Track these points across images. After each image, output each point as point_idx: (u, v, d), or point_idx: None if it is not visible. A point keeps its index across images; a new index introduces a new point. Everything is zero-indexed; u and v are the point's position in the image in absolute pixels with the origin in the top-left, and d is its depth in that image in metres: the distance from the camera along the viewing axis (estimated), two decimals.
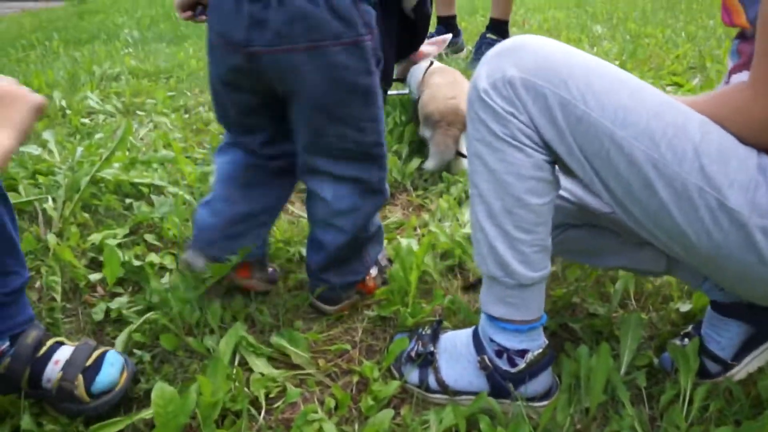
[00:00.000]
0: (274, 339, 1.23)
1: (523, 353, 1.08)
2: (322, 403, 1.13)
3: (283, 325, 1.32)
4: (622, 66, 3.05)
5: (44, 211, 1.68)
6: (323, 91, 1.14)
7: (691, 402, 1.07)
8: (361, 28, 1.12)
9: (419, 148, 2.12)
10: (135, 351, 1.23)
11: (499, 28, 3.39)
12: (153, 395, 0.98)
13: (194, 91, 3.10)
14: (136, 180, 1.83)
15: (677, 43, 3.77)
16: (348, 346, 1.27)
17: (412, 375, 1.16)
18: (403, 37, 1.45)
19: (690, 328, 1.23)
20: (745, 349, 1.14)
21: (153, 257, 1.50)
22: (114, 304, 1.34)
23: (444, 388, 1.14)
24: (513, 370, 1.08)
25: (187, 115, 2.67)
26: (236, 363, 1.19)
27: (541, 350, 1.08)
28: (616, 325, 1.28)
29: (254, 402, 1.12)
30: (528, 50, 0.94)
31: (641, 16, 5.07)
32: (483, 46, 3.32)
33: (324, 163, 1.24)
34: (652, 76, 2.96)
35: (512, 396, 1.09)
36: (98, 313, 1.33)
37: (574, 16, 5.18)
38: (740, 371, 1.14)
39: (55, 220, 1.65)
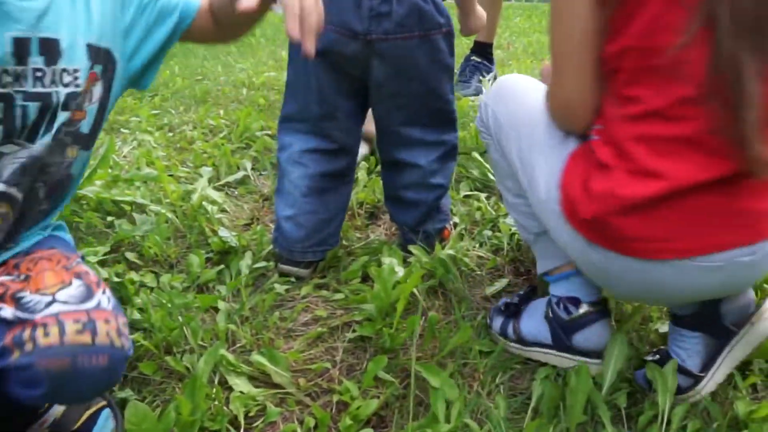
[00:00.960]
0: (255, 357, 1.23)
1: (575, 302, 1.23)
2: (301, 422, 1.12)
3: (264, 344, 1.32)
4: None
5: None
6: (427, 71, 1.46)
7: (669, 422, 1.08)
8: (449, 21, 1.45)
9: None
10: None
11: (483, 51, 3.42)
12: (126, 413, 0.98)
13: (179, 109, 3.10)
14: (118, 198, 1.83)
15: None
16: (329, 365, 1.26)
17: (496, 323, 1.35)
18: None
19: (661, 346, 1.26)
20: (710, 359, 1.16)
21: (133, 275, 1.49)
22: None
23: (518, 337, 1.30)
24: (567, 318, 1.24)
25: (171, 134, 2.67)
26: (216, 382, 1.19)
27: (593, 302, 1.23)
28: None
29: (233, 421, 1.11)
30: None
31: None
32: (467, 68, 3.34)
33: (418, 133, 1.54)
34: None
35: (568, 348, 1.24)
36: None
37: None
38: (709, 382, 1.15)
39: None
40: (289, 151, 1.57)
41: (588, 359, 1.21)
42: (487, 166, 2.06)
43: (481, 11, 1.76)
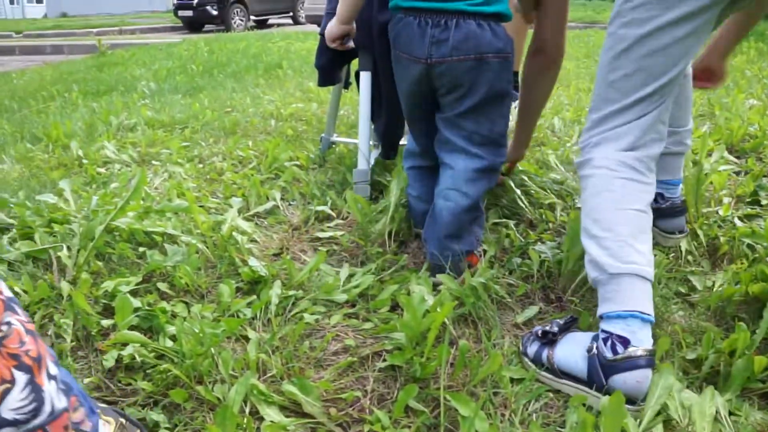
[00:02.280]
0: (286, 387, 1.23)
1: (625, 342, 1.20)
2: None
3: (294, 373, 1.32)
4: None
5: (59, 259, 1.69)
6: (479, 90, 1.56)
7: None
8: (509, 48, 1.55)
9: None
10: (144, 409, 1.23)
11: None
12: None
13: (209, 141, 3.14)
14: (150, 229, 1.85)
15: None
16: (359, 395, 1.26)
17: (531, 348, 1.36)
18: None
19: None
20: None
21: (165, 305, 1.50)
22: (126, 351, 1.34)
23: (551, 365, 1.31)
24: (612, 357, 1.20)
25: (201, 165, 2.71)
26: (247, 412, 1.19)
27: (644, 348, 1.19)
28: None
29: None
30: None
31: None
32: None
33: (462, 142, 1.63)
34: None
35: (600, 385, 1.21)
36: (109, 360, 1.33)
37: (584, 67, 5.24)
38: None
39: (69, 268, 1.66)
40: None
41: (622, 398, 1.10)
42: (518, 191, 2.05)
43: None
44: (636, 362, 1.18)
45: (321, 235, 1.97)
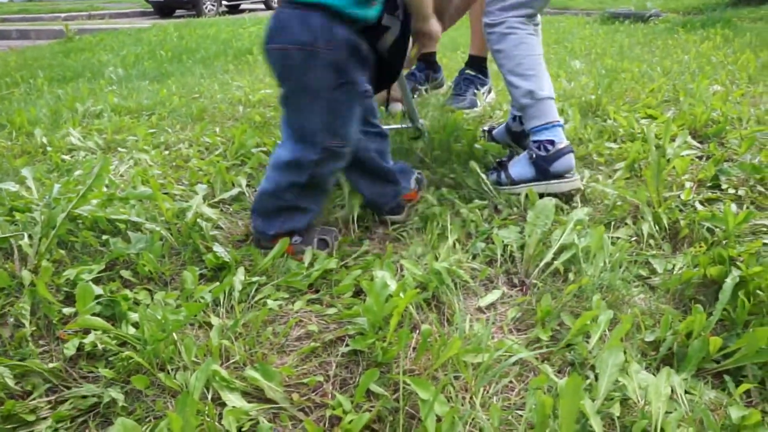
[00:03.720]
0: (248, 373, 1.23)
1: (551, 142, 1.98)
2: None
3: (257, 359, 1.32)
4: (597, 99, 3.10)
5: (20, 247, 1.67)
6: (285, 83, 1.59)
7: (662, 431, 1.07)
8: (320, 42, 1.50)
9: None
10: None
11: (477, 65, 3.44)
12: (114, 430, 0.97)
13: (175, 127, 3.11)
14: (113, 216, 1.83)
15: (653, 77, 3.83)
16: (322, 380, 1.26)
17: (491, 178, 2.08)
18: (381, 71, 1.78)
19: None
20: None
21: (127, 292, 1.49)
22: (87, 339, 1.33)
23: (509, 179, 2.04)
24: (545, 154, 1.97)
25: (167, 152, 2.68)
26: (209, 398, 1.19)
27: (563, 143, 1.99)
28: (593, 355, 1.29)
29: None
30: None
31: (618, 51, 5.16)
32: (461, 82, 3.36)
33: (282, 129, 1.68)
34: (627, 110, 3.01)
35: (547, 175, 1.99)
36: (70, 348, 1.32)
37: (554, 53, 5.26)
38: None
39: (31, 257, 1.64)
40: None
41: (562, 179, 1.98)
42: (483, 176, 2.07)
43: (435, 31, 1.94)
44: (563, 151, 1.97)
45: None
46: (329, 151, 1.62)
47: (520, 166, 2.02)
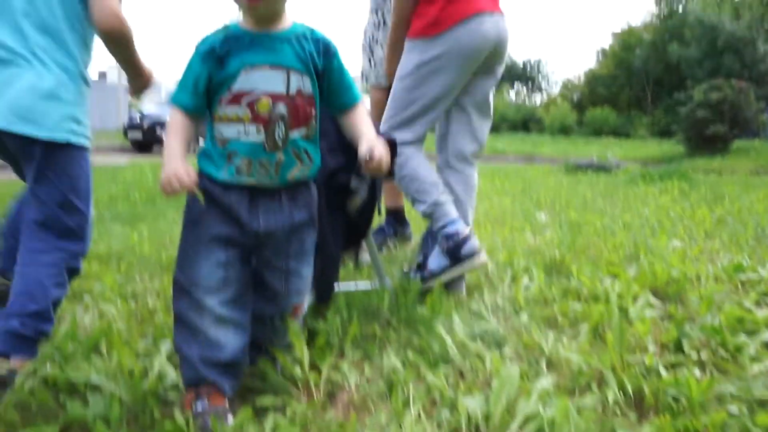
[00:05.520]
0: None
1: (456, 233, 2.54)
2: None
3: None
4: (561, 256, 3.18)
5: None
6: None
7: None
8: None
9: None
10: None
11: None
12: None
13: (144, 276, 3.11)
14: (73, 375, 1.80)
15: (614, 231, 3.96)
16: None
17: (415, 276, 2.58)
18: (349, 232, 2.08)
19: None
20: None
21: None
22: None
23: (431, 273, 2.56)
24: (455, 242, 2.52)
25: (134, 303, 2.67)
26: None
27: (465, 231, 2.56)
28: None
29: None
30: None
31: (582, 203, 5.35)
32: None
33: None
34: (590, 267, 3.08)
35: (460, 258, 2.53)
36: None
37: (519, 203, 5.43)
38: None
39: None
40: None
41: (472, 259, 2.52)
42: (448, 339, 2.07)
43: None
44: (468, 237, 2.53)
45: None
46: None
47: (436, 260, 2.57)
